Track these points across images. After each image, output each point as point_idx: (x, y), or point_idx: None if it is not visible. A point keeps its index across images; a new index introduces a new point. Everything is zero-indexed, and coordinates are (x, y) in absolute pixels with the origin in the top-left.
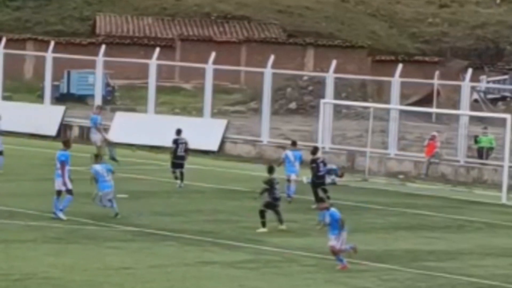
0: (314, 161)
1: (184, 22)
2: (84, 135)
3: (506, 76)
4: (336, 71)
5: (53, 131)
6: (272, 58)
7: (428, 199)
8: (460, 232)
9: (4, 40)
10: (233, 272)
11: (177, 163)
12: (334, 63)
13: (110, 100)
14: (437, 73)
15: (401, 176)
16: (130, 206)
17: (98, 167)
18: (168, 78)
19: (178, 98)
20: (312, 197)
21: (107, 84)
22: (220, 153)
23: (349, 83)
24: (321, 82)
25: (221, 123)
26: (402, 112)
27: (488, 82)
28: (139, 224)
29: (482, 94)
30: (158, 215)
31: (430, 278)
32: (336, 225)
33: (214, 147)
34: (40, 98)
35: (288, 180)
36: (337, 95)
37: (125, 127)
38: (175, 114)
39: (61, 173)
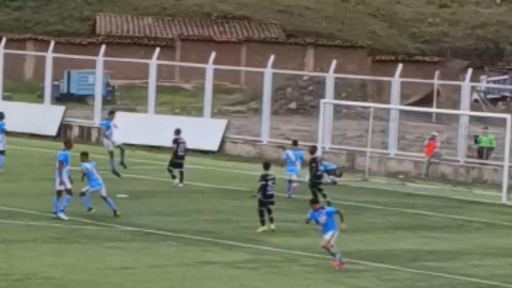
0: (313, 160)
1: (184, 22)
2: (84, 135)
3: (506, 76)
4: (336, 71)
5: (53, 131)
6: (272, 58)
7: (428, 199)
8: (460, 232)
9: (4, 40)
10: (233, 272)
11: (177, 162)
12: (334, 63)
13: (110, 100)
14: (437, 73)
15: (401, 176)
16: (130, 206)
17: (87, 165)
18: (168, 78)
19: (178, 98)
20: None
21: (107, 84)
22: (220, 153)
23: (349, 83)
24: (321, 82)
25: (221, 123)
26: (402, 112)
27: (488, 82)
28: (139, 224)
29: (482, 94)
30: (158, 215)
31: (430, 278)
32: (334, 221)
33: (214, 147)
34: (40, 98)
35: (290, 181)
36: (337, 95)
37: (125, 127)
38: (175, 114)
39: (58, 173)
